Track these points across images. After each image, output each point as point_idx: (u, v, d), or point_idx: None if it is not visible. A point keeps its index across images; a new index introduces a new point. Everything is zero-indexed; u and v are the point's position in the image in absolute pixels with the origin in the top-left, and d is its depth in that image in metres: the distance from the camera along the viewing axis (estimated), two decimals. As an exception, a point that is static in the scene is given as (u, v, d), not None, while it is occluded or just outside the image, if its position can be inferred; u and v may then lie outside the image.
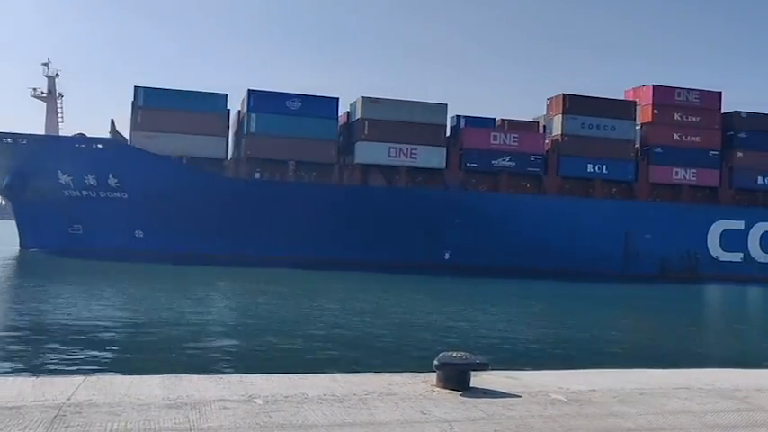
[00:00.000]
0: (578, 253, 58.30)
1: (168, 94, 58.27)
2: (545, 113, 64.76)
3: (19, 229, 63.64)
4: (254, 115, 57.69)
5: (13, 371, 7.27)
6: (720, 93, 65.68)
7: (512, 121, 63.33)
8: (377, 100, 58.87)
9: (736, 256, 64.04)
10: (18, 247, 62.38)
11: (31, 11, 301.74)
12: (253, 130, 57.68)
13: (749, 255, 64.30)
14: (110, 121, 61.43)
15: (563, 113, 61.56)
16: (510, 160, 60.54)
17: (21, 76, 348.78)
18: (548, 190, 61.63)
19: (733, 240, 63.44)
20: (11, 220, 66.92)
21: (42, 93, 64.77)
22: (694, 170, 63.56)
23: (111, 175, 57.54)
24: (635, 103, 64.56)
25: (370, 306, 31.34)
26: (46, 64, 64.71)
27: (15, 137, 58.67)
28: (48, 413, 6.04)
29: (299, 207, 55.74)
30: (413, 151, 58.77)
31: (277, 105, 57.89)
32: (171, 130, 56.49)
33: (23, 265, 51.02)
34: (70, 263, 48.97)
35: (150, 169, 56.08)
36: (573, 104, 61.83)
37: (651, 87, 64.22)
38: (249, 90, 58.55)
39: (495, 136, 60.75)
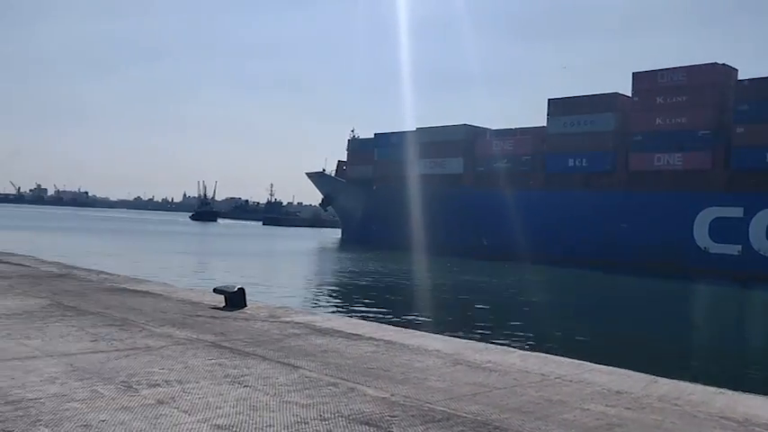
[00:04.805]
0: (564, 242, 65.71)
1: (359, 142, 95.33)
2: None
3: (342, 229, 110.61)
4: (375, 149, 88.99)
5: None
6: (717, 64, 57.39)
7: (523, 129, 72.87)
8: (424, 129, 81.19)
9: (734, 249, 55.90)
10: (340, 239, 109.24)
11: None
12: (376, 158, 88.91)
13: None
14: (336, 162, 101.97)
15: (548, 116, 68.72)
16: (506, 162, 72.02)
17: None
18: (534, 186, 69.41)
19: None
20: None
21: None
22: (679, 154, 59.24)
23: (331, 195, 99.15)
24: (617, 94, 64.07)
25: None
26: (352, 130, 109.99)
27: (320, 173, 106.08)
28: None
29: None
30: (441, 163, 78.34)
31: (386, 141, 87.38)
32: (355, 163, 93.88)
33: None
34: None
35: (342, 191, 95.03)
36: (555, 107, 68.05)
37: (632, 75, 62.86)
38: (375, 133, 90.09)
39: (495, 143, 73.27)
